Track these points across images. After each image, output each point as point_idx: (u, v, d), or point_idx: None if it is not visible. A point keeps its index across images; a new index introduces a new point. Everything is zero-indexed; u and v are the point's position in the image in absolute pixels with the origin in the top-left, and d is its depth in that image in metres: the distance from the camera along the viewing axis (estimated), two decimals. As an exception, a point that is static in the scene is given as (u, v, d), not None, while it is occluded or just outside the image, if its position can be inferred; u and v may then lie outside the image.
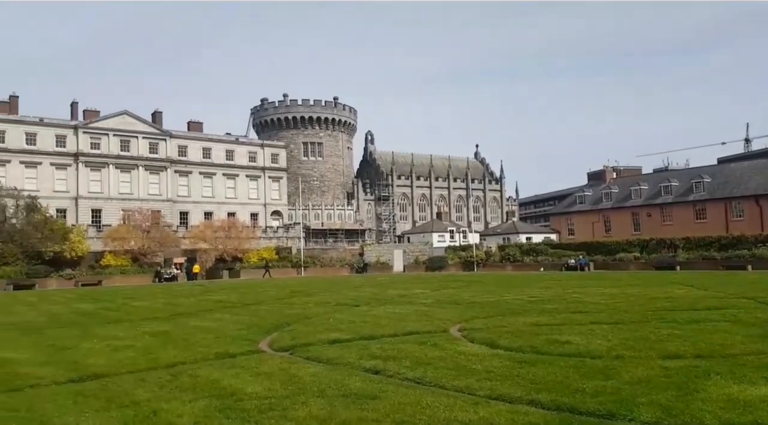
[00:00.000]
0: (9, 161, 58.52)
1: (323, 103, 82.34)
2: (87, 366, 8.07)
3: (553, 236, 66.80)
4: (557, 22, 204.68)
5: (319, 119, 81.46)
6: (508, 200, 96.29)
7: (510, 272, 43.52)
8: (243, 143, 74.90)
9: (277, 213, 74.60)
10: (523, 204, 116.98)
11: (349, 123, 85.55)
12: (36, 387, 6.80)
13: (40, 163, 60.56)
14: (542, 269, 45.78)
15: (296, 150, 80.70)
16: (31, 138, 60.47)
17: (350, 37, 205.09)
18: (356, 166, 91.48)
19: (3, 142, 58.90)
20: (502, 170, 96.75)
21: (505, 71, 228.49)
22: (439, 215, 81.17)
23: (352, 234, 73.44)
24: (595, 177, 74.46)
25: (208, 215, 67.29)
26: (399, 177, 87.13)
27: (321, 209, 76.39)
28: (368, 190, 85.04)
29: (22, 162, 59.38)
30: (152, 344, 10.09)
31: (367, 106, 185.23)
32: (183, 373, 7.36)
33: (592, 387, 5.96)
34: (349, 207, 79.25)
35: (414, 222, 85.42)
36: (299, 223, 66.17)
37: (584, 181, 78.19)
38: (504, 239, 65.93)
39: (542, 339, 9.19)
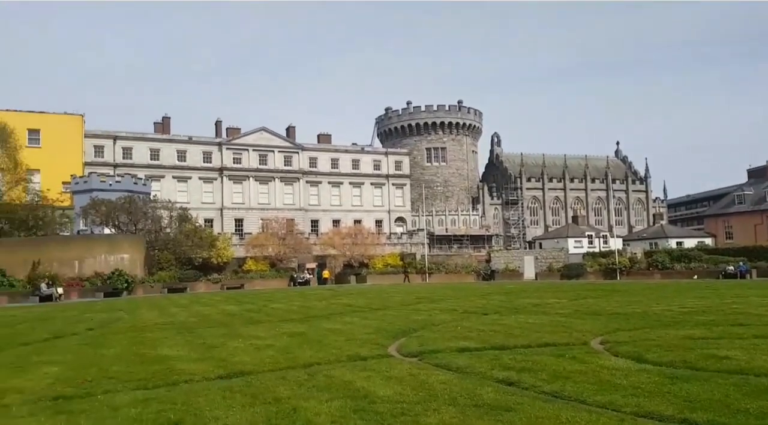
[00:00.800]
0: (163, 176, 65.30)
1: (447, 108, 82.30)
2: (234, 363, 8.69)
3: (708, 241, 61.15)
4: (705, 5, 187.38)
5: (442, 124, 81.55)
6: (654, 201, 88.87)
7: (658, 281, 40.25)
8: (368, 152, 77.27)
9: (400, 220, 75.90)
10: (672, 206, 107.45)
11: (474, 126, 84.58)
12: (190, 383, 7.41)
13: (190, 177, 66.94)
14: (696, 277, 41.94)
15: (419, 156, 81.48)
16: (181, 155, 67.07)
17: (473, 38, 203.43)
18: (481, 170, 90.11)
19: (158, 159, 65.89)
20: (647, 169, 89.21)
21: (646, 61, 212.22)
22: (575, 218, 77.00)
23: (477, 240, 72.49)
24: (757, 174, 67.35)
25: (336, 222, 70.23)
26: (529, 179, 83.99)
27: (445, 215, 76.33)
28: (494, 194, 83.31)
29: (174, 177, 66.04)
30: (290, 344, 10.64)
31: (493, 107, 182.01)
32: (319, 373, 7.67)
33: (757, 407, 5.32)
34: (475, 212, 78.26)
35: (546, 227, 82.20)
36: (423, 229, 66.73)
37: (743, 179, 71.15)
38: (651, 244, 61.41)
39: (697, 353, 8.37)
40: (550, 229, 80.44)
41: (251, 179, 69.42)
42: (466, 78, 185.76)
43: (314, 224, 70.68)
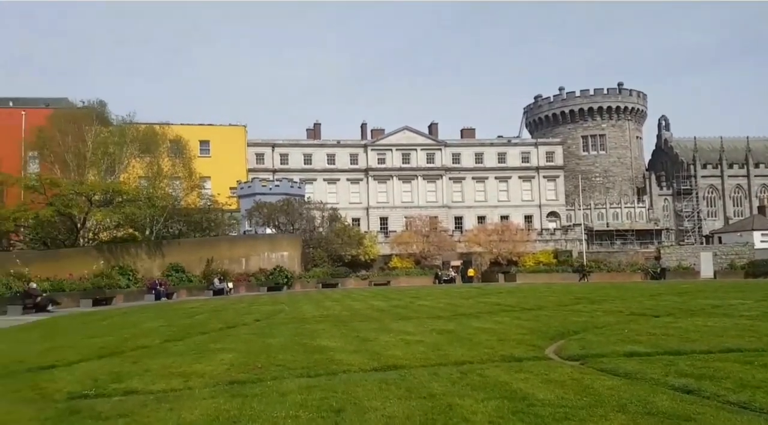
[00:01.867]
0: (315, 179, 69.33)
1: (605, 92, 76.82)
2: (387, 356, 8.89)
3: None
4: None
5: (600, 109, 76.28)
6: None
7: None
8: (515, 145, 74.92)
9: (553, 214, 72.65)
10: None
11: (638, 109, 77.89)
12: (348, 373, 7.71)
13: (339, 179, 70.36)
14: None
15: (574, 146, 77.10)
16: (331, 158, 70.74)
17: (629, 16, 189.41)
18: (647, 157, 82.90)
19: (311, 163, 70.11)
20: None
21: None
22: (761, 209, 67.76)
23: (644, 235, 66.77)
24: None
25: (481, 218, 69.30)
26: (704, 166, 75.56)
27: (605, 208, 71.53)
28: (663, 184, 75.99)
29: (324, 179, 69.86)
30: (440, 341, 10.63)
31: (660, 88, 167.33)
32: (472, 372, 7.55)
33: None
34: (640, 204, 72.11)
35: (726, 219, 73.63)
36: (579, 224, 63.23)
37: None
38: None
39: None
40: (731, 221, 71.74)
41: (395, 178, 71.11)
42: (626, 61, 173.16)
43: (458, 221, 70.44)
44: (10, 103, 56.56)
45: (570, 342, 10.35)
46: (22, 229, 36.50)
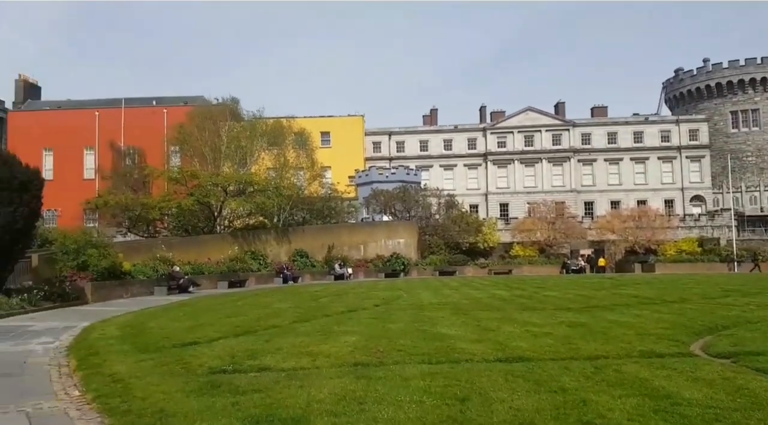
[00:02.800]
0: (431, 166, 69.28)
1: (758, 61, 68.56)
2: (512, 348, 8.59)
3: None
4: None
5: (753, 80, 68.33)
6: None
7: None
8: (653, 123, 69.44)
9: (697, 198, 66.60)
10: None
11: (798, 79, 69.36)
12: (470, 362, 7.54)
13: (455, 165, 69.72)
14: None
15: (721, 122, 69.87)
16: (448, 144, 70.24)
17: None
18: (812, 132, 73.56)
19: (427, 150, 70.18)
20: None
21: None
22: None
23: (807, 221, 59.32)
24: None
25: (614, 203, 65.31)
26: None
27: (758, 191, 64.17)
28: (831, 161, 67.32)
29: (441, 165, 69.58)
30: (570, 334, 10.10)
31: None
32: (607, 367, 7.07)
33: None
34: (802, 186, 64.26)
35: None
36: (728, 209, 57.34)
37: None
38: None
39: None
40: None
41: (516, 161, 69.03)
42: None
43: (588, 206, 66.94)
44: (154, 103, 62.33)
45: (719, 338, 9.39)
46: (166, 217, 40.11)
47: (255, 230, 39.82)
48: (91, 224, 40.84)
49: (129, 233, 39.15)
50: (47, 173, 49.56)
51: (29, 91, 64.81)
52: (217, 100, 48.26)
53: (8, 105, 61.36)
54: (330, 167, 58.74)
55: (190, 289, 26.24)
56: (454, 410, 5.22)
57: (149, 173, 44.40)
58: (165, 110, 58.80)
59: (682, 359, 7.65)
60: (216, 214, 39.68)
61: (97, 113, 60.06)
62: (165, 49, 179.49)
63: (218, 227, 40.00)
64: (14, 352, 9.74)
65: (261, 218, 41.64)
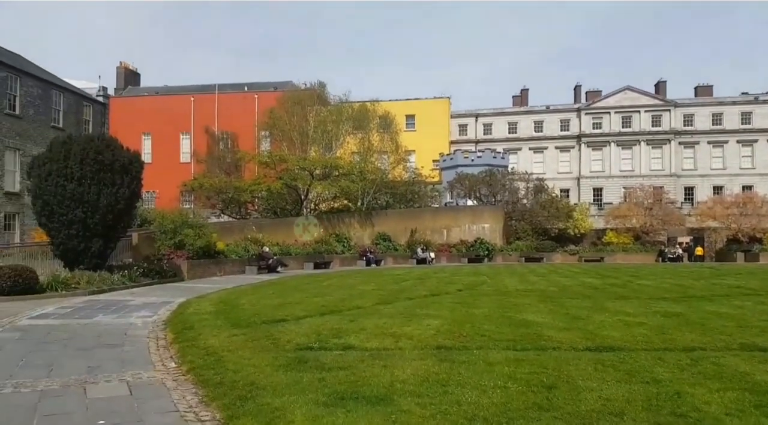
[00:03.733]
0: (520, 149, 67.46)
1: None
2: (602, 337, 8.29)
3: None
4: None
5: None
6: None
7: None
8: (765, 102, 63.90)
9: (811, 184, 60.97)
10: None
11: None
12: (557, 350, 7.35)
13: (546, 148, 67.47)
14: None
15: None
16: (538, 126, 68.05)
17: None
18: None
19: (516, 132, 68.36)
20: None
21: None
22: None
23: None
24: None
25: (717, 189, 60.91)
26: None
27: None
28: None
29: (530, 148, 67.58)
30: (665, 324, 9.60)
31: None
32: (704, 359, 6.66)
33: None
34: None
35: None
36: None
37: None
38: None
39: None
40: None
41: (612, 144, 65.80)
42: None
43: (688, 191, 62.87)
44: (245, 88, 64.68)
45: (834, 334, 8.58)
46: (256, 200, 41.76)
47: (339, 214, 40.69)
48: (187, 206, 43.10)
49: (222, 215, 41.15)
50: (146, 157, 52.61)
51: (129, 78, 69.02)
52: (305, 85, 49.26)
53: (110, 91, 65.79)
54: (414, 150, 58.59)
55: (279, 269, 27.33)
56: (540, 397, 5.11)
57: (241, 156, 46.30)
58: (256, 96, 60.92)
59: (790, 354, 7.05)
60: (303, 197, 40.88)
61: (192, 99, 63.19)
62: (256, 36, 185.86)
63: (305, 210, 41.21)
64: (116, 324, 10.47)
65: (345, 202, 42.42)
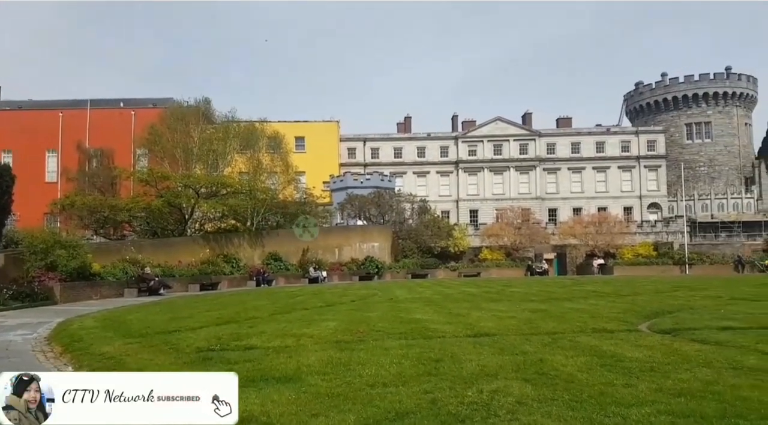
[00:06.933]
0: (405, 172, 70.26)
1: (711, 77, 72.29)
2: (479, 327, 9.43)
3: None
4: None
5: (706, 95, 71.84)
6: None
7: None
8: (614, 133, 71.93)
9: (654, 206, 69.22)
10: None
11: (747, 95, 72.82)
12: (443, 338, 8.32)
13: (428, 172, 70.86)
14: None
15: (677, 134, 73.02)
16: (421, 151, 71.35)
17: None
18: (758, 145, 77.22)
19: (401, 157, 71.15)
20: None
21: None
22: None
23: (752, 227, 62.07)
24: None
25: (576, 210, 67.27)
26: (820, 154, 70.19)
27: (709, 199, 67.16)
28: (775, 173, 71.01)
29: (414, 172, 70.61)
30: (532, 317, 11.01)
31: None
32: (562, 338, 7.94)
33: None
34: (748, 195, 67.30)
35: None
36: (681, 216, 59.86)
37: None
38: None
39: None
40: None
41: (485, 169, 70.55)
42: (736, 46, 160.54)
43: (552, 212, 68.77)
44: (121, 104, 61.66)
45: (663, 319, 10.43)
46: (134, 219, 39.66)
47: (227, 234, 39.85)
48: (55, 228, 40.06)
49: (95, 236, 38.69)
50: (6, 176, 48.12)
51: (-14, 92, 63.35)
52: (186, 101, 47.95)
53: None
54: (305, 171, 58.89)
55: (161, 291, 26.00)
56: (429, 367, 5.95)
57: (118, 174, 43.91)
58: (133, 112, 58.28)
59: (629, 333, 8.60)
60: (187, 216, 39.52)
61: (60, 114, 59.05)
62: (134, 51, 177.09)
63: (189, 230, 39.84)
64: (-8, 343, 9.78)
65: (233, 222, 41.61)
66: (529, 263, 49.46)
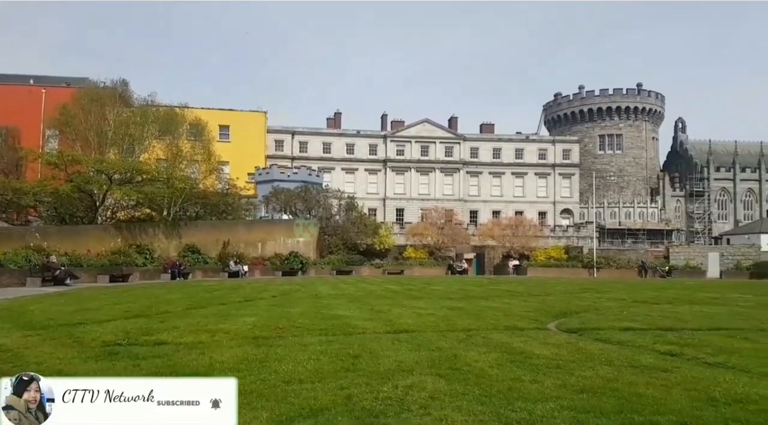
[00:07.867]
0: (334, 168, 70.02)
1: (624, 92, 77.19)
2: (399, 324, 9.55)
3: None
4: None
5: (618, 108, 76.57)
6: None
7: None
8: (533, 141, 75.09)
9: (567, 211, 72.88)
10: None
11: (655, 111, 78.26)
12: (363, 334, 8.36)
13: (357, 169, 70.97)
14: None
15: (591, 144, 77.35)
16: (350, 148, 71.32)
17: (655, 18, 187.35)
18: (663, 158, 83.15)
19: (330, 152, 70.79)
20: None
21: None
22: (772, 213, 68.43)
23: (655, 235, 67.10)
24: None
25: (496, 213, 69.62)
26: (717, 169, 76.17)
27: (618, 207, 71.74)
28: (677, 185, 76.53)
29: (343, 169, 70.50)
30: (449, 314, 11.31)
31: (678, 91, 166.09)
32: (476, 335, 8.19)
33: None
34: (653, 205, 72.53)
35: (736, 222, 73.93)
36: (592, 222, 63.44)
37: None
38: None
39: None
40: (740, 224, 72.07)
41: (413, 170, 71.56)
42: (648, 63, 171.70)
43: (473, 214, 70.81)
44: (31, 81, 57.53)
45: (570, 319, 11.00)
46: (40, 204, 37.30)
47: (141, 223, 38.10)
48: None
49: (-4, 220, 36.03)
50: None
51: None
52: (104, 82, 45.37)
53: None
54: (228, 162, 57.26)
55: (68, 282, 24.55)
56: (347, 363, 5.96)
57: (24, 155, 41.01)
58: (44, 90, 54.51)
59: (539, 331, 9.02)
60: (98, 203, 37.45)
61: (-43, 89, 54.41)
62: (46, 27, 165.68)
63: (100, 218, 37.83)
64: None
65: (148, 211, 39.86)
66: (450, 262, 50.63)
